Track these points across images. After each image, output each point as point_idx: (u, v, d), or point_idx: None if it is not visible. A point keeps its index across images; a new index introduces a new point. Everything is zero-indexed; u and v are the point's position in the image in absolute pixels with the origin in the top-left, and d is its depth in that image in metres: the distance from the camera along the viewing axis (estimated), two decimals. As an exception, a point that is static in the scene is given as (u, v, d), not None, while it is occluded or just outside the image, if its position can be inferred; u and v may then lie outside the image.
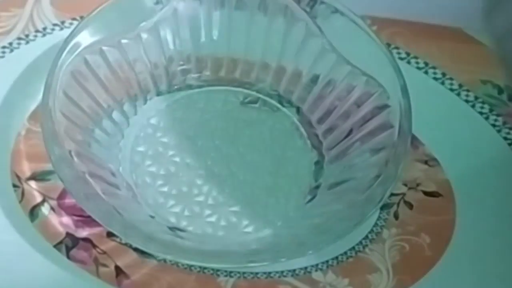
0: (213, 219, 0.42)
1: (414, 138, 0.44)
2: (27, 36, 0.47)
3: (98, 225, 0.39)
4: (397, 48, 0.48)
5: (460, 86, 0.47)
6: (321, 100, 0.44)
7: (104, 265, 0.41)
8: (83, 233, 0.42)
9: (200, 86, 0.46)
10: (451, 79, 0.48)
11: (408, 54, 0.48)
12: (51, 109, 0.40)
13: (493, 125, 0.46)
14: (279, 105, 0.46)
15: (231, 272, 0.41)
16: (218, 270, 0.41)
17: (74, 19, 0.48)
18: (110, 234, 0.41)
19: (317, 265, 0.42)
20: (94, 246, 0.41)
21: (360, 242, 0.42)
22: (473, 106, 0.47)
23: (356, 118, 0.43)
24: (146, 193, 0.42)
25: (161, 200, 0.42)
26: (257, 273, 0.41)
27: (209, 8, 0.45)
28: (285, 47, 0.45)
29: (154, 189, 0.43)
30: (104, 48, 0.42)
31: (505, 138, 0.46)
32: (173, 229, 0.41)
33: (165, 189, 0.43)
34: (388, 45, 0.48)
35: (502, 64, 0.35)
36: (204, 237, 0.41)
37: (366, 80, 0.43)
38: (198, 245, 0.40)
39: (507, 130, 0.46)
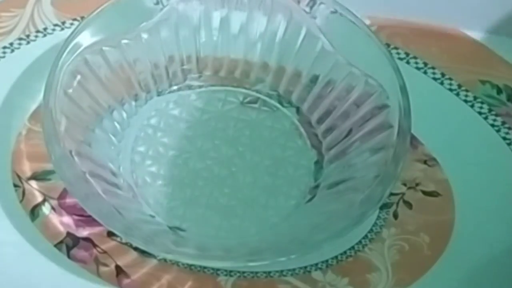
0: (213, 218, 0.42)
1: (413, 138, 0.45)
2: (27, 36, 0.48)
3: (99, 224, 0.39)
4: (396, 48, 0.48)
5: (459, 86, 0.48)
6: (320, 100, 0.44)
7: (105, 265, 0.41)
8: (84, 232, 0.42)
9: (200, 86, 0.46)
10: (450, 79, 0.48)
11: (407, 54, 0.48)
12: (52, 109, 0.40)
13: (492, 125, 0.46)
14: (278, 105, 0.46)
15: (231, 271, 0.41)
16: (218, 270, 0.41)
17: (74, 19, 0.48)
18: (110, 234, 0.42)
19: (316, 264, 0.42)
20: (95, 245, 0.42)
21: (360, 242, 0.42)
22: (472, 106, 0.47)
23: (356, 118, 0.43)
24: (146, 192, 0.43)
25: (162, 200, 0.42)
26: (257, 273, 0.41)
27: (209, 8, 0.45)
28: (284, 47, 0.45)
29: (154, 189, 0.43)
30: (105, 48, 0.43)
31: (504, 138, 0.46)
32: (173, 228, 0.41)
33: (165, 188, 0.43)
34: (388, 45, 0.48)
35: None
36: (204, 236, 0.41)
37: (366, 80, 0.43)
38: (198, 244, 0.40)
39: (506, 130, 0.46)
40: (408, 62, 0.48)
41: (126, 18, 0.43)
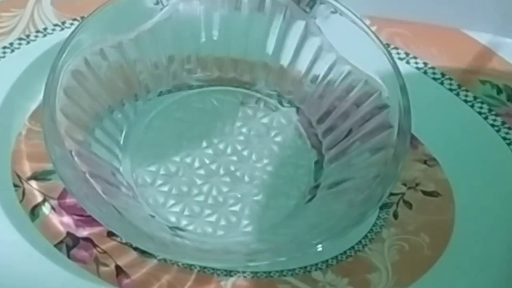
0: (212, 218, 0.42)
1: (413, 138, 0.45)
2: (27, 36, 0.48)
3: (99, 224, 0.39)
4: (396, 48, 0.48)
5: (459, 86, 0.48)
6: (320, 100, 0.44)
7: (105, 265, 0.41)
8: (84, 232, 0.42)
9: (200, 86, 0.46)
10: (450, 79, 0.48)
11: (407, 54, 0.48)
12: (52, 109, 0.40)
13: (492, 125, 0.46)
14: (279, 105, 0.46)
15: (231, 271, 0.41)
16: (218, 270, 0.41)
17: (74, 19, 0.48)
18: (110, 234, 0.42)
19: (316, 264, 0.42)
20: (95, 245, 0.42)
21: (360, 242, 0.42)
22: (472, 106, 0.47)
23: (356, 118, 0.43)
24: (146, 192, 0.43)
25: (161, 200, 0.42)
26: (257, 273, 0.41)
27: (209, 8, 0.45)
28: (284, 47, 0.45)
29: (154, 189, 0.43)
30: (105, 48, 0.43)
31: (504, 138, 0.46)
32: (173, 228, 0.41)
33: (165, 188, 0.43)
34: (388, 45, 0.48)
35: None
36: (204, 236, 0.41)
37: (366, 80, 0.43)
38: (198, 244, 0.40)
39: (506, 130, 0.46)
40: (408, 62, 0.48)
41: (126, 18, 0.43)
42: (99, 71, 0.43)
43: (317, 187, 0.43)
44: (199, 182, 0.43)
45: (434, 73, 0.48)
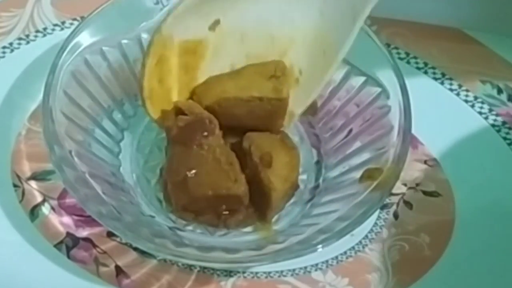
0: (213, 218, 0.42)
1: (413, 138, 0.45)
2: (27, 36, 0.48)
3: (98, 225, 0.39)
4: (396, 48, 0.48)
5: (460, 86, 0.48)
6: (321, 100, 0.44)
7: (104, 265, 0.41)
8: (84, 232, 0.42)
9: (200, 86, 0.46)
10: (450, 79, 0.48)
11: (407, 54, 0.48)
12: (52, 109, 0.40)
13: (493, 125, 0.46)
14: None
15: (231, 271, 0.41)
16: (218, 270, 0.41)
17: (74, 19, 0.48)
18: (110, 234, 0.42)
19: (317, 264, 0.42)
20: (94, 245, 0.42)
21: (360, 242, 0.42)
22: (472, 106, 0.47)
23: (356, 118, 0.43)
24: (146, 192, 0.43)
25: (161, 200, 0.42)
26: (257, 273, 0.41)
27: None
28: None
29: (154, 189, 0.43)
30: (105, 48, 0.43)
31: (505, 138, 0.46)
32: (173, 228, 0.41)
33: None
34: (388, 45, 0.48)
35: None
36: (204, 236, 0.41)
37: (366, 80, 0.43)
38: (198, 245, 0.40)
39: (506, 130, 0.46)
40: (408, 62, 0.48)
41: (126, 18, 0.43)
42: (99, 71, 0.43)
43: (317, 187, 0.43)
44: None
45: (434, 73, 0.48)
